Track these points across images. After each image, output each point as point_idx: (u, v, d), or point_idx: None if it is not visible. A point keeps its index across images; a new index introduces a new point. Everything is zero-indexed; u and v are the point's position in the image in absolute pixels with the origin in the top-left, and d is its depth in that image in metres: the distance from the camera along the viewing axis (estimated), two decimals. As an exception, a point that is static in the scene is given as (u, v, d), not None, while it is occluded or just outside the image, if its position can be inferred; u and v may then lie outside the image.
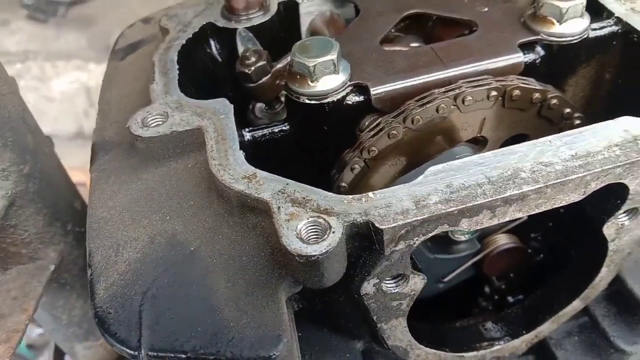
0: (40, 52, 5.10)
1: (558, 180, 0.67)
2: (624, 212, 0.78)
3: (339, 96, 0.83)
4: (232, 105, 0.84)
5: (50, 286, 1.09)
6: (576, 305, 0.94)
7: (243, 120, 1.03)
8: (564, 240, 1.04)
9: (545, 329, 0.97)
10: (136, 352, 0.64)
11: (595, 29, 0.92)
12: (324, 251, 0.62)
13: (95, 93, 5.18)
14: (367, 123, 0.86)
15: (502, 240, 0.99)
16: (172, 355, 0.64)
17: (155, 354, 0.64)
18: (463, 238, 0.95)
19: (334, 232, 0.64)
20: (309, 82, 0.82)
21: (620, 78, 0.97)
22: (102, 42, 5.23)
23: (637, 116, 0.74)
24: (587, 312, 1.02)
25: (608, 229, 0.80)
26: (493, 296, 1.18)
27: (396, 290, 0.74)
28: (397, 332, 0.82)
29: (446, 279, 1.02)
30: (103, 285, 0.71)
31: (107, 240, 0.76)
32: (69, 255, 1.10)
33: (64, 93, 4.91)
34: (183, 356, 0.63)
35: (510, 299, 1.14)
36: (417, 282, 0.75)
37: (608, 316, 1.00)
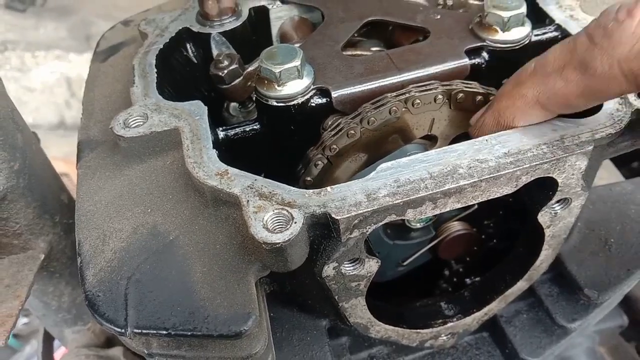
0: (20, 42, 5.08)
1: (491, 175, 0.77)
2: (556, 201, 0.88)
3: (304, 99, 0.92)
4: (206, 107, 0.92)
5: (41, 274, 1.16)
6: (521, 285, 1.05)
7: (218, 118, 1.11)
8: (513, 226, 1.15)
9: (494, 307, 1.08)
10: (123, 330, 0.73)
11: (537, 34, 1.02)
12: (287, 239, 0.71)
13: (76, 83, 5.21)
14: (329, 123, 0.95)
15: (455, 227, 1.09)
16: (155, 332, 0.73)
17: (140, 331, 0.73)
18: (419, 225, 1.05)
19: (295, 222, 0.73)
20: (276, 87, 0.91)
21: (561, 79, 1.07)
22: (81, 32, 5.24)
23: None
24: (533, 292, 1.13)
25: (542, 217, 0.90)
26: (452, 278, 1.29)
27: (354, 273, 0.84)
28: (357, 310, 0.92)
29: (405, 263, 1.12)
30: (92, 271, 0.79)
31: (94, 231, 0.84)
32: (57, 245, 1.17)
33: (44, 83, 4.92)
34: (164, 332, 0.72)
35: (467, 281, 1.25)
36: (372, 265, 0.84)
37: (551, 296, 1.11)
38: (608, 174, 1.50)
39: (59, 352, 1.63)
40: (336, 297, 0.87)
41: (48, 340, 1.50)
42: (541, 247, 0.96)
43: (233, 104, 1.13)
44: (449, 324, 1.06)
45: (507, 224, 1.18)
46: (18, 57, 5.00)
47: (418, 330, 1.04)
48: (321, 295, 0.91)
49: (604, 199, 1.12)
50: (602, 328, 1.43)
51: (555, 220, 0.91)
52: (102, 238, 0.83)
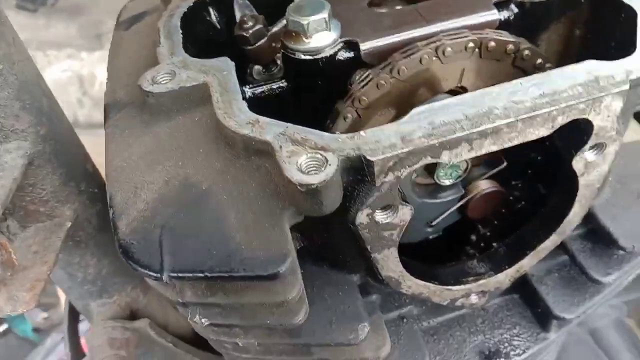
0: (32, 41, 5.12)
1: (527, 115, 0.76)
2: (590, 147, 0.86)
3: (332, 52, 0.91)
4: (233, 63, 0.92)
5: (66, 244, 1.17)
6: (554, 239, 1.03)
7: (242, 82, 1.11)
8: (543, 185, 1.14)
9: (526, 264, 1.07)
10: (159, 274, 0.73)
11: (565, -13, 1.01)
12: (322, 180, 0.71)
13: (87, 81, 5.23)
14: (357, 77, 0.94)
15: (485, 185, 1.07)
16: (191, 275, 0.72)
17: (176, 274, 0.73)
18: (448, 183, 1.04)
19: (330, 165, 0.72)
20: (304, 39, 0.90)
21: (589, 34, 1.06)
22: (92, 31, 5.27)
23: None
24: (565, 249, 1.12)
25: (577, 164, 0.88)
26: (479, 243, 1.27)
27: (387, 221, 0.83)
28: (389, 262, 0.91)
29: (434, 223, 1.11)
30: (125, 221, 0.79)
31: (126, 185, 0.84)
32: (83, 213, 1.18)
33: (56, 82, 4.94)
34: (201, 275, 0.72)
35: (495, 245, 1.24)
36: (405, 213, 0.83)
37: (584, 251, 1.09)
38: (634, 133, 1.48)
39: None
40: (369, 247, 0.87)
41: (73, 318, 1.51)
42: (574, 198, 0.94)
43: (256, 68, 1.12)
44: (481, 281, 1.05)
45: (534, 187, 1.16)
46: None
47: (449, 287, 1.03)
48: (353, 247, 0.90)
49: (634, 153, 1.10)
50: (630, 299, 1.42)
51: (589, 168, 0.89)
52: (134, 190, 0.83)
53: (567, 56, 1.10)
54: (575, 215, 0.98)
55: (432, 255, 1.20)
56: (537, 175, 1.14)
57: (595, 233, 1.06)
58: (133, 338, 1.32)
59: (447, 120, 0.76)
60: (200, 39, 1.10)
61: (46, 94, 1.07)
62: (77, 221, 1.16)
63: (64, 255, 1.22)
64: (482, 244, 1.26)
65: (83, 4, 5.51)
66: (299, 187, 0.71)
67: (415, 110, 0.78)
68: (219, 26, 1.14)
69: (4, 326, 3.45)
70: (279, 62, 1.08)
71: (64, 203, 1.13)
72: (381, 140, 0.75)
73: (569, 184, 0.94)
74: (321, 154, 0.74)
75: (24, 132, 1.01)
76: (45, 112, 1.05)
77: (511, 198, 1.17)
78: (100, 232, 1.24)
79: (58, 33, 5.27)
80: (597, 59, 0.90)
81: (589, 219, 1.04)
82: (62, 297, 3.13)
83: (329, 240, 0.92)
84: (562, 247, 1.08)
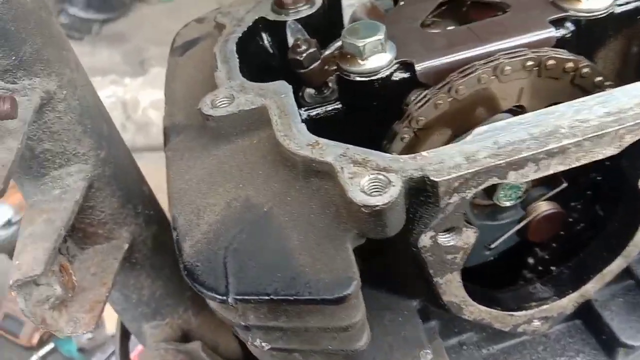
0: (77, 69, 5.31)
1: (595, 134, 0.74)
2: (659, 166, 0.84)
3: (387, 73, 0.91)
4: (290, 86, 0.93)
5: (123, 266, 1.18)
6: (619, 263, 0.99)
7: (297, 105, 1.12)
8: (603, 207, 1.10)
9: (590, 288, 1.03)
10: (225, 297, 0.73)
11: (621, 4, 0.99)
12: (386, 201, 0.70)
13: (130, 106, 5.38)
14: (413, 97, 0.94)
15: (545, 207, 1.05)
16: (257, 297, 0.72)
17: (242, 297, 0.73)
18: (508, 204, 1.02)
19: (394, 186, 0.72)
20: (359, 61, 0.91)
21: (648, 50, 1.03)
22: (135, 57, 5.44)
23: None
24: (630, 273, 1.08)
25: (644, 184, 0.86)
26: (537, 267, 1.24)
27: (451, 243, 0.82)
28: (452, 287, 0.89)
29: (493, 246, 1.08)
30: (189, 243, 0.80)
31: (188, 207, 0.85)
32: (139, 236, 1.20)
33: (101, 108, 5.10)
34: (266, 297, 0.72)
35: (553, 269, 1.20)
36: (469, 236, 0.82)
37: (653, 276, 1.05)
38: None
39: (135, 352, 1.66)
40: (431, 271, 0.85)
41: (125, 338, 1.52)
42: (640, 219, 0.91)
43: (308, 91, 1.13)
44: (544, 306, 1.01)
45: (594, 208, 1.13)
46: (76, 84, 5.20)
47: (512, 313, 1.00)
48: (414, 271, 0.89)
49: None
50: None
51: (658, 187, 0.87)
52: (197, 212, 0.84)
53: (625, 74, 1.07)
54: (642, 236, 0.95)
55: (488, 279, 1.17)
56: (596, 196, 1.11)
57: (662, 255, 1.02)
58: (185, 360, 1.33)
59: (512, 139, 0.75)
60: (254, 63, 1.12)
61: (105, 119, 1.10)
62: (133, 243, 1.18)
63: (120, 277, 1.24)
64: (540, 268, 1.23)
65: (126, 32, 5.71)
66: (362, 208, 0.71)
67: (477, 130, 0.77)
68: (271, 50, 1.15)
69: (50, 346, 3.51)
70: (331, 84, 1.09)
71: (121, 225, 1.15)
72: (445, 161, 0.74)
73: (634, 205, 0.91)
74: (384, 175, 0.74)
75: (84, 156, 1.03)
76: (105, 136, 1.08)
77: (570, 220, 1.14)
78: (155, 254, 1.25)
79: (102, 60, 5.45)
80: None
81: (655, 240, 1.00)
82: (107, 318, 3.17)
83: (388, 264, 0.91)
84: (626, 271, 1.04)
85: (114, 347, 1.55)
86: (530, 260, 1.23)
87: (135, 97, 5.12)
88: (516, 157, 0.73)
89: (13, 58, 0.87)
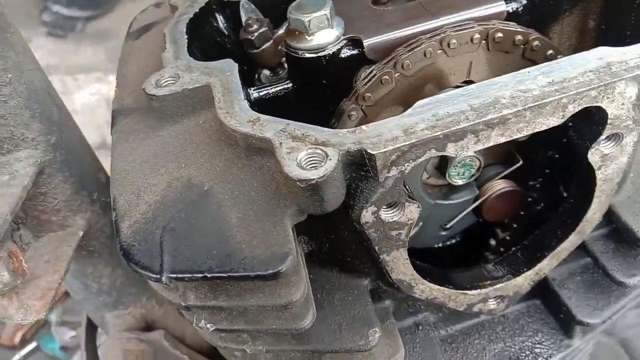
0: (61, 66, 5.27)
1: (536, 103, 0.73)
2: (606, 137, 0.82)
3: (335, 49, 0.90)
4: (236, 64, 0.91)
5: (80, 254, 1.17)
6: (573, 240, 0.98)
7: (249, 85, 1.10)
8: (560, 189, 1.09)
9: (545, 266, 1.02)
10: (158, 276, 0.71)
11: (576, -23, 0.98)
12: (322, 175, 0.69)
13: (115, 103, 5.32)
14: (362, 74, 0.92)
15: (500, 185, 1.04)
16: (191, 275, 0.71)
17: (176, 275, 0.71)
18: (461, 182, 1.01)
19: (330, 160, 0.71)
20: (306, 37, 0.89)
21: (603, 24, 1.02)
22: (119, 55, 5.40)
23: None
24: (587, 251, 1.07)
25: (593, 156, 0.84)
26: (499, 248, 1.23)
27: (394, 219, 0.80)
28: (399, 264, 0.88)
29: (449, 226, 1.07)
30: (127, 224, 0.78)
31: (129, 187, 0.83)
32: (95, 223, 1.18)
33: (85, 105, 5.07)
34: (200, 275, 0.70)
35: (514, 249, 1.19)
36: (412, 211, 0.81)
37: (606, 252, 1.04)
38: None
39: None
40: (377, 248, 0.84)
41: (91, 331, 1.51)
42: (593, 194, 0.90)
43: (264, 73, 1.12)
44: (498, 285, 1.00)
45: (553, 188, 1.12)
46: (60, 81, 5.17)
47: (465, 292, 0.99)
48: (361, 249, 0.88)
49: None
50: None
51: (607, 160, 0.85)
52: (137, 193, 0.82)
53: (581, 49, 1.06)
54: (595, 213, 0.93)
55: (451, 262, 1.16)
56: (557, 175, 1.10)
57: (617, 232, 1.01)
58: (148, 350, 1.31)
59: (452, 111, 0.74)
60: (208, 45, 1.11)
61: (57, 104, 1.08)
62: (90, 231, 1.17)
63: (79, 266, 1.22)
64: (502, 249, 1.22)
65: (111, 29, 5.66)
66: (298, 182, 0.69)
67: (418, 103, 0.76)
68: (226, 32, 1.14)
69: (33, 344, 3.48)
70: (285, 65, 1.07)
71: (76, 212, 1.13)
72: (383, 134, 0.73)
73: (586, 179, 0.89)
74: (321, 149, 0.72)
75: (34, 141, 1.02)
76: (56, 121, 1.06)
77: (530, 200, 1.13)
78: (114, 241, 1.23)
79: (87, 58, 5.41)
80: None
81: (610, 217, 0.99)
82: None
83: (337, 243, 0.90)
84: (583, 249, 1.04)
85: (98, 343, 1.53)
86: (492, 242, 1.22)
87: (119, 94, 5.09)
88: (454, 128, 0.72)
89: (-51, 40, 0.85)
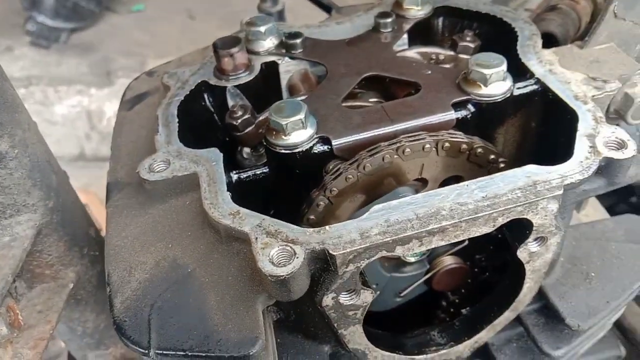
0: (43, 77, 5.32)
1: (470, 217, 0.88)
2: (533, 239, 0.98)
3: (307, 146, 1.04)
4: (221, 154, 1.04)
5: (68, 302, 1.28)
6: (508, 315, 1.14)
7: (232, 160, 1.23)
8: (506, 259, 1.24)
9: (483, 336, 1.17)
10: (147, 351, 0.84)
11: (519, 87, 1.13)
12: (290, 272, 0.82)
13: (95, 116, 5.41)
14: (330, 167, 1.06)
15: (448, 261, 1.18)
16: (174, 352, 0.83)
17: (162, 352, 0.84)
18: (413, 260, 1.15)
19: (297, 257, 0.84)
20: (283, 136, 1.02)
21: (542, 126, 1.18)
22: (102, 68, 5.46)
23: (555, 163, 0.94)
24: (521, 322, 1.22)
25: (522, 254, 1.00)
26: (449, 309, 1.38)
27: (350, 303, 0.94)
28: (355, 337, 1.02)
29: (403, 294, 1.21)
30: (119, 299, 0.90)
31: (122, 264, 0.95)
32: (84, 275, 1.29)
33: (65, 116, 5.13)
34: (182, 353, 0.83)
35: (463, 311, 1.34)
36: (367, 296, 0.95)
37: (537, 325, 1.19)
38: (594, 211, 1.59)
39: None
40: (335, 325, 0.97)
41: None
42: (523, 281, 1.05)
43: (245, 149, 1.25)
44: (442, 351, 1.15)
45: (498, 258, 1.27)
46: (41, 92, 5.22)
47: (413, 357, 1.13)
48: (322, 322, 1.01)
49: (587, 236, 1.21)
50: (600, 358, 1.50)
51: (534, 257, 1.01)
52: (129, 270, 0.94)
53: (525, 144, 1.22)
54: (526, 295, 1.09)
55: (404, 319, 1.30)
56: (499, 248, 1.25)
57: (547, 308, 1.16)
58: (126, 388, 1.42)
59: (400, 218, 0.88)
60: (196, 120, 1.23)
61: (55, 171, 1.19)
62: (79, 282, 1.28)
63: (66, 312, 1.33)
64: (451, 309, 1.37)
65: (94, 41, 5.72)
66: (269, 277, 0.83)
67: (374, 208, 0.90)
68: (212, 110, 1.27)
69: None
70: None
71: (67, 266, 1.24)
72: (343, 236, 0.87)
73: (518, 268, 1.05)
74: (291, 247, 0.86)
75: (34, 206, 1.13)
76: (54, 187, 1.17)
77: (475, 270, 1.28)
78: (99, 290, 1.35)
79: (69, 69, 5.46)
80: (550, 149, 1.01)
81: (541, 295, 1.15)
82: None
83: (302, 315, 1.03)
84: (518, 320, 1.19)
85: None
86: (443, 303, 1.37)
87: (100, 108, 5.16)
88: (402, 235, 0.86)
89: (-33, 124, 0.97)
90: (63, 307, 1.20)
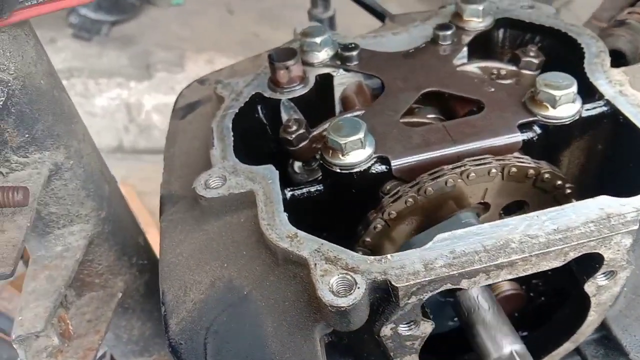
0: (84, 69, 5.41)
1: (541, 251, 0.83)
2: (602, 273, 0.93)
3: (365, 166, 1.01)
4: (277, 172, 1.02)
5: (116, 310, 1.28)
6: (567, 346, 1.09)
7: (284, 174, 1.21)
8: (562, 286, 1.20)
9: (541, 365, 1.13)
10: (202, 377, 0.82)
11: (588, 109, 1.08)
12: (351, 303, 0.80)
13: (135, 109, 5.47)
14: (388, 187, 1.03)
15: (504, 287, 1.14)
16: (230, 380, 0.82)
17: (217, 379, 0.82)
18: (469, 284, 1.11)
19: (359, 288, 0.81)
20: (340, 156, 1.00)
21: (610, 150, 1.12)
22: (142, 61, 5.52)
23: (622, 189, 0.90)
24: (580, 353, 1.17)
25: (589, 287, 0.95)
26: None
27: (409, 333, 0.91)
28: (410, 365, 0.98)
29: (456, 319, 1.18)
30: (174, 320, 0.89)
31: (177, 282, 0.94)
32: (132, 283, 1.29)
33: (105, 109, 5.21)
34: (238, 382, 0.81)
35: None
36: (426, 327, 0.91)
37: (596, 357, 1.14)
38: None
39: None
40: (392, 354, 0.94)
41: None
42: (587, 313, 1.01)
43: (297, 164, 1.23)
44: (497, 380, 1.11)
45: (556, 283, 1.22)
46: (82, 84, 5.31)
47: (465, 385, 1.10)
48: (377, 350, 0.98)
49: (651, 265, 1.15)
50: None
51: (601, 290, 0.96)
52: (184, 289, 0.93)
53: (589, 167, 1.17)
54: (588, 327, 1.04)
55: (457, 343, 1.26)
56: (556, 275, 1.20)
57: (608, 340, 1.11)
58: (168, 396, 1.42)
59: (467, 250, 0.84)
60: (249, 134, 1.21)
61: (108, 180, 1.19)
62: (127, 291, 1.28)
63: (113, 320, 1.33)
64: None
65: (135, 34, 5.79)
66: (329, 307, 0.80)
67: (438, 237, 0.86)
68: (265, 122, 1.24)
69: None
70: (318, 157, 1.18)
71: (116, 275, 1.24)
72: (406, 266, 0.83)
73: (582, 301, 1.00)
74: (351, 276, 0.83)
75: (87, 217, 1.13)
76: (106, 197, 1.17)
77: (532, 295, 1.23)
78: (146, 298, 1.35)
79: (110, 62, 5.54)
80: (618, 174, 0.96)
81: (603, 326, 1.09)
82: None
83: (356, 340, 1.00)
84: (577, 350, 1.14)
85: None
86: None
87: (139, 100, 5.22)
88: (468, 269, 0.82)
89: (26, 136, 0.97)
90: (112, 316, 1.20)
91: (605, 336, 1.13)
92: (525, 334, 1.24)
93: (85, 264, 1.18)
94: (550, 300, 1.25)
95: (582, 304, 1.01)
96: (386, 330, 0.89)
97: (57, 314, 1.08)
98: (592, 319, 1.02)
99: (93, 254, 1.18)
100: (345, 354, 1.06)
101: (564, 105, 1.03)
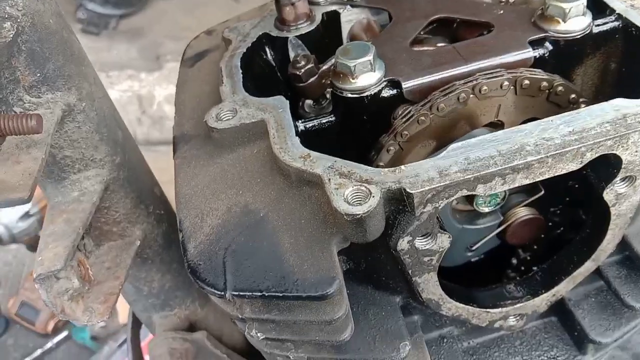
0: (95, 63, 5.40)
1: (557, 152, 0.82)
2: (621, 179, 0.91)
3: (376, 90, 1.00)
4: (287, 101, 1.02)
5: (135, 261, 1.29)
6: (588, 266, 1.08)
7: (294, 114, 1.21)
8: (580, 213, 1.18)
9: (562, 288, 1.11)
10: (223, 293, 0.83)
11: (598, 25, 1.06)
12: (366, 210, 0.79)
13: (146, 100, 5.49)
14: (400, 112, 1.02)
15: (523, 212, 1.13)
16: (251, 293, 0.82)
17: (238, 293, 0.82)
18: (487, 210, 1.10)
19: (373, 197, 0.81)
20: (351, 80, 0.99)
21: (624, 67, 1.10)
22: (152, 53, 5.55)
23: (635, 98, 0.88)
24: (601, 275, 1.16)
25: (608, 195, 0.93)
26: (520, 267, 1.32)
27: (426, 247, 0.90)
28: (429, 285, 0.98)
29: (474, 248, 1.17)
30: (193, 244, 0.90)
31: (193, 211, 0.95)
32: (150, 233, 1.30)
33: (117, 101, 5.19)
34: (259, 294, 0.81)
35: (535, 269, 1.28)
36: (444, 240, 0.91)
37: (619, 277, 1.13)
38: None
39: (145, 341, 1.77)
40: (410, 272, 0.94)
41: (136, 327, 1.63)
42: (607, 227, 0.99)
43: (308, 102, 1.22)
44: (518, 305, 1.10)
45: (573, 213, 1.21)
46: (93, 78, 5.32)
47: (487, 310, 1.09)
48: (395, 270, 0.98)
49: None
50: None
51: (621, 199, 0.94)
52: (201, 216, 0.93)
53: (603, 88, 1.15)
54: (609, 243, 1.02)
55: (474, 278, 1.26)
56: (576, 201, 1.19)
57: (630, 260, 1.10)
58: (191, 348, 1.43)
59: (482, 156, 0.83)
60: (258, 75, 1.21)
61: (120, 127, 1.20)
62: (145, 240, 1.28)
63: (132, 271, 1.34)
64: (522, 268, 1.32)
65: (143, 27, 5.82)
66: (345, 216, 0.80)
67: (452, 146, 0.86)
68: (273, 63, 1.24)
69: (65, 333, 3.66)
70: (328, 95, 1.18)
71: (134, 224, 1.25)
72: (420, 174, 0.83)
73: (602, 214, 0.98)
74: (365, 186, 0.83)
75: (101, 161, 1.14)
76: (120, 142, 1.17)
77: (550, 224, 1.22)
78: (165, 249, 1.35)
79: (119, 55, 5.57)
80: (633, 90, 0.95)
81: (624, 245, 1.08)
82: (119, 308, 3.30)
83: (374, 263, 1.00)
84: (598, 273, 1.12)
85: (126, 336, 1.65)
86: (514, 261, 1.31)
87: (150, 92, 5.25)
88: (484, 172, 0.81)
89: (38, 75, 0.97)
90: (130, 264, 1.21)
91: (627, 257, 1.12)
92: (544, 266, 1.23)
93: (103, 211, 1.19)
94: (566, 233, 1.24)
95: (602, 218, 1.00)
96: (403, 244, 0.89)
97: (76, 257, 1.09)
98: (613, 233, 1.01)
99: (109, 201, 1.19)
100: (364, 281, 1.05)
101: (574, 18, 1.02)
